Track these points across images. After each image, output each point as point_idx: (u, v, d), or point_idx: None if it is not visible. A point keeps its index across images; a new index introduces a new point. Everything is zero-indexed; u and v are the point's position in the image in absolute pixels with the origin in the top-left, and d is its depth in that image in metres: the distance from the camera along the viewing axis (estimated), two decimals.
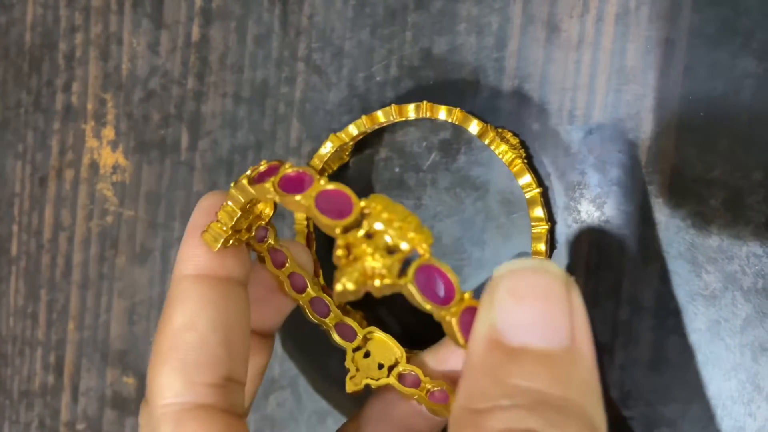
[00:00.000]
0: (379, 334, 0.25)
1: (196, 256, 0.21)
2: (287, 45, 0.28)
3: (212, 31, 0.29)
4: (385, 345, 0.24)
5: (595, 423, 0.16)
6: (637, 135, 0.24)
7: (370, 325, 0.26)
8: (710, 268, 0.24)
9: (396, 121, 0.25)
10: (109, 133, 0.31)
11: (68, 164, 0.32)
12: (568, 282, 0.17)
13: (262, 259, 0.24)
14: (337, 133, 0.26)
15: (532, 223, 0.25)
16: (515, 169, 0.25)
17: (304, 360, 0.29)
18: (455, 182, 0.26)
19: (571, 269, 0.25)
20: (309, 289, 0.24)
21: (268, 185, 0.19)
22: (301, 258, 0.24)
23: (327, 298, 0.25)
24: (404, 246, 0.17)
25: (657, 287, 0.24)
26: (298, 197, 0.18)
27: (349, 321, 0.25)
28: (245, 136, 0.29)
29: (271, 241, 0.23)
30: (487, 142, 0.25)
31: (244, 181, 0.20)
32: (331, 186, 0.18)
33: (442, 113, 0.25)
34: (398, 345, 0.24)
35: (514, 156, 0.25)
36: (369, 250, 0.17)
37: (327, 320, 0.25)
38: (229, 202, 0.20)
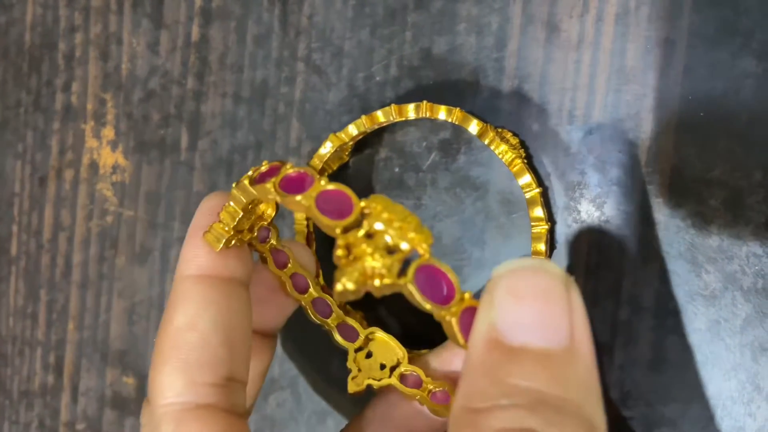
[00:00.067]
0: (380, 335, 0.25)
1: (198, 257, 0.21)
2: (287, 45, 0.28)
3: (212, 31, 0.29)
4: (387, 345, 0.24)
5: (594, 423, 0.16)
6: (637, 135, 0.24)
7: (370, 325, 0.26)
8: (710, 268, 0.24)
9: (396, 121, 0.25)
10: (108, 133, 0.31)
11: (68, 164, 0.32)
12: (567, 282, 0.17)
13: (264, 260, 0.24)
14: (337, 133, 0.26)
15: (532, 223, 0.25)
16: (515, 169, 0.25)
17: (304, 360, 0.29)
18: (455, 182, 0.26)
19: (571, 269, 0.25)
20: (311, 290, 0.24)
21: (269, 185, 0.19)
22: (304, 259, 0.24)
23: (329, 299, 0.25)
24: (404, 246, 0.17)
25: (657, 287, 0.24)
26: (298, 197, 0.18)
27: (351, 321, 0.25)
28: (245, 136, 0.29)
29: (273, 241, 0.23)
30: (486, 142, 0.25)
31: (246, 182, 0.20)
32: (331, 186, 0.18)
33: (441, 113, 0.25)
34: (400, 345, 0.24)
35: (513, 156, 0.25)
36: (369, 250, 0.17)
37: (329, 321, 0.25)
38: (231, 203, 0.20)
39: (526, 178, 0.24)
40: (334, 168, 0.27)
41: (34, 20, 0.32)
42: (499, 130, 0.25)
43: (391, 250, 0.17)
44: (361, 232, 0.17)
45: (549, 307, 0.17)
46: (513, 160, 0.25)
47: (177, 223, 0.30)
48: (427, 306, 0.17)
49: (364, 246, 0.17)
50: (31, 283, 0.33)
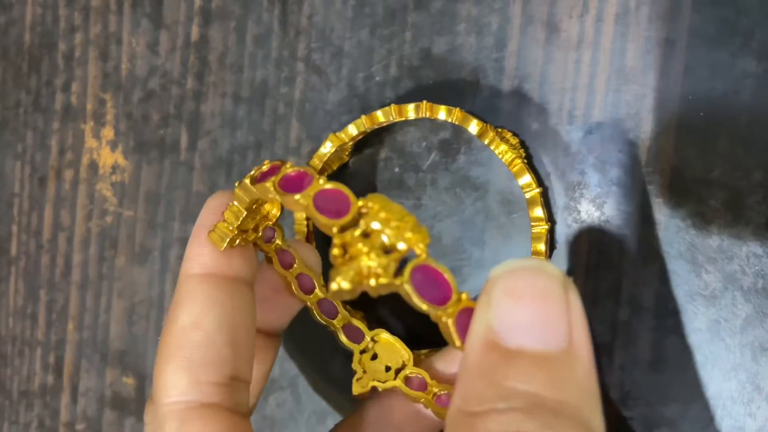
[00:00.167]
0: (386, 336, 0.25)
1: (203, 256, 0.21)
2: (287, 45, 0.28)
3: (212, 31, 0.29)
4: (392, 347, 0.24)
5: (592, 426, 0.16)
6: (637, 135, 0.24)
7: (371, 325, 0.26)
8: (710, 268, 0.24)
9: (396, 121, 0.25)
10: (108, 133, 0.31)
11: (67, 164, 0.32)
12: (566, 282, 0.17)
13: (269, 260, 0.24)
14: (337, 133, 0.26)
15: (532, 223, 0.25)
16: (515, 169, 0.25)
17: (305, 360, 0.29)
18: (455, 182, 0.26)
19: (571, 269, 0.25)
20: (317, 291, 0.24)
21: (268, 184, 0.19)
22: (309, 259, 0.24)
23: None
24: (401, 246, 0.17)
25: (657, 287, 0.24)
26: (296, 196, 0.18)
27: (357, 323, 0.25)
28: (245, 136, 0.29)
29: (278, 241, 0.23)
30: (486, 142, 0.25)
31: (247, 181, 0.20)
32: (329, 185, 0.18)
33: (441, 113, 0.25)
34: (405, 347, 0.24)
35: (513, 156, 0.25)
36: (365, 249, 0.17)
37: (335, 322, 0.25)
38: (235, 202, 0.21)
39: (526, 178, 0.24)
40: (334, 168, 0.27)
41: (33, 20, 0.32)
42: (499, 130, 0.25)
43: (387, 250, 0.17)
44: (358, 232, 0.17)
45: (547, 308, 0.16)
46: (513, 160, 0.25)
47: (177, 223, 0.30)
48: (424, 306, 0.17)
49: (360, 245, 0.17)
50: (30, 283, 0.33)
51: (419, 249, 0.17)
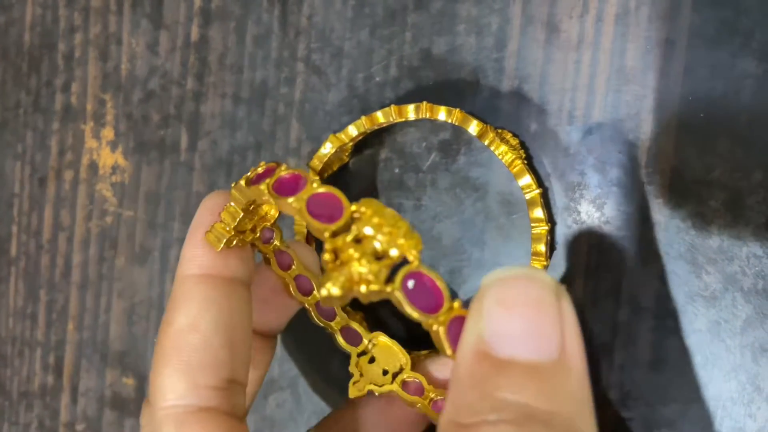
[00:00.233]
0: (384, 339, 0.24)
1: (200, 256, 0.21)
2: (286, 45, 0.28)
3: (211, 32, 0.29)
4: (390, 351, 0.24)
5: None
6: (637, 135, 0.24)
7: (371, 326, 0.26)
8: (710, 269, 0.24)
9: (396, 121, 0.25)
10: (108, 133, 0.31)
11: (67, 165, 0.32)
12: (558, 290, 0.16)
13: (267, 261, 0.24)
14: (337, 134, 0.26)
15: (532, 224, 0.25)
16: (515, 169, 0.25)
17: (304, 361, 0.29)
18: (455, 183, 0.26)
19: (570, 270, 0.25)
20: (315, 292, 0.24)
21: (262, 187, 0.19)
22: (308, 260, 0.24)
23: None
24: (393, 252, 0.17)
25: (657, 288, 0.24)
26: (290, 200, 0.18)
27: (355, 325, 0.25)
28: (244, 137, 0.29)
29: (277, 242, 0.23)
30: (486, 142, 0.25)
31: (243, 182, 0.20)
32: (322, 189, 0.18)
33: (441, 114, 0.25)
34: (404, 351, 0.24)
35: (513, 157, 0.25)
36: (356, 255, 0.17)
37: (333, 324, 0.25)
38: (232, 203, 0.20)
39: (526, 179, 0.24)
40: (334, 169, 0.27)
41: (33, 20, 0.32)
42: (499, 130, 0.25)
43: (380, 256, 0.17)
44: (350, 237, 0.17)
45: (539, 317, 0.16)
46: (513, 160, 0.25)
47: (176, 224, 0.30)
48: (415, 314, 0.17)
49: (351, 251, 0.17)
50: (30, 283, 0.33)
51: (412, 255, 0.17)
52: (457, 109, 0.24)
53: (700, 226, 0.24)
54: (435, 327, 0.17)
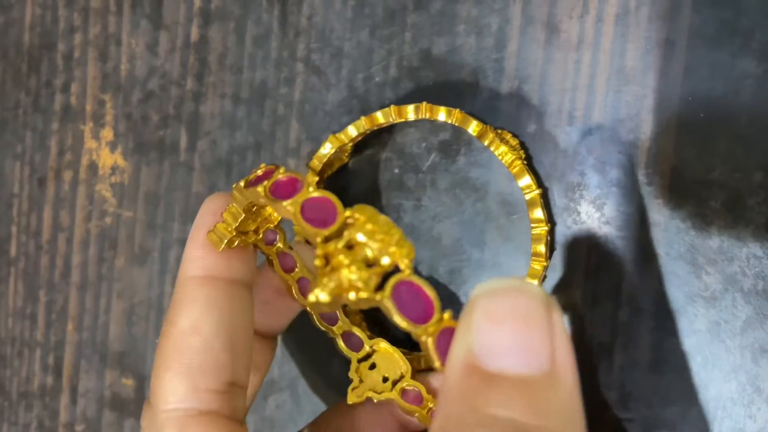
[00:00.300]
0: (385, 346, 0.24)
1: (202, 258, 0.21)
2: (286, 45, 0.28)
3: (211, 32, 0.29)
4: (391, 358, 0.24)
5: None
6: (637, 136, 0.24)
7: (369, 325, 0.26)
8: (710, 269, 0.24)
9: (395, 122, 0.25)
10: (107, 134, 0.31)
11: (67, 165, 0.32)
12: (548, 303, 0.16)
13: (270, 263, 0.24)
14: (337, 134, 0.26)
15: (532, 225, 0.25)
16: (515, 170, 0.25)
17: (304, 362, 0.29)
18: (455, 183, 0.26)
19: (570, 270, 0.25)
20: None
21: (259, 189, 0.19)
22: (311, 263, 0.24)
23: None
24: (385, 260, 0.17)
25: (657, 288, 0.24)
26: (285, 203, 0.18)
27: (357, 331, 0.24)
28: (244, 137, 0.29)
29: (280, 244, 0.23)
30: (486, 143, 0.25)
31: (242, 184, 0.20)
32: (317, 193, 0.18)
33: (441, 114, 0.24)
34: (404, 359, 0.24)
35: (513, 157, 0.25)
36: (346, 261, 0.17)
37: (334, 328, 0.24)
38: (234, 204, 0.20)
39: (526, 180, 0.24)
40: (334, 169, 0.27)
41: (33, 21, 0.32)
42: (499, 131, 0.25)
43: (371, 263, 0.17)
44: (342, 243, 0.17)
45: (528, 330, 0.16)
46: (513, 161, 0.25)
47: (176, 224, 0.30)
48: (404, 324, 0.16)
49: (341, 257, 0.17)
50: (30, 284, 0.33)
51: (403, 264, 0.17)
52: (457, 110, 0.24)
53: (700, 226, 0.24)
54: (423, 338, 0.17)
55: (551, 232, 0.25)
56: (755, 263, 0.23)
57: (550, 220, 0.25)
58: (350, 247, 0.17)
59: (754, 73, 0.23)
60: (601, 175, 0.24)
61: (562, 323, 0.16)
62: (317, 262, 0.17)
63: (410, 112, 0.25)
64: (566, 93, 0.25)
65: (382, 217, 0.17)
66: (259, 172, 0.20)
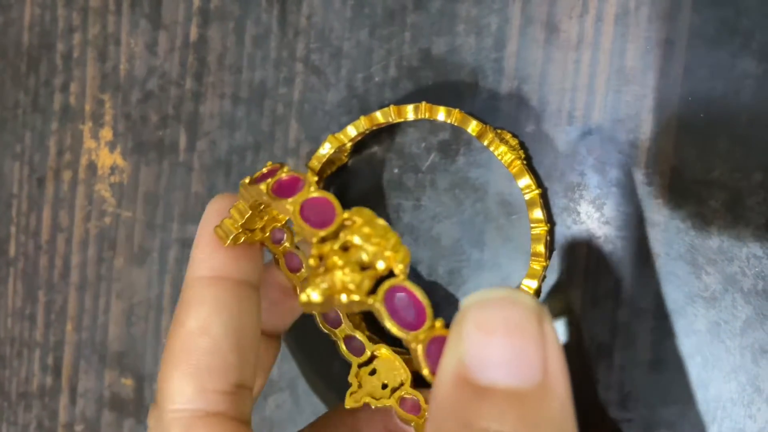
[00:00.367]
0: (387, 352, 0.24)
1: (210, 258, 0.21)
2: (285, 45, 0.28)
3: (210, 32, 0.29)
4: (391, 365, 0.24)
5: None
6: (637, 136, 0.24)
7: (368, 324, 0.26)
8: (710, 269, 0.24)
9: (395, 122, 0.25)
10: (107, 133, 0.31)
11: (66, 165, 0.32)
12: (540, 313, 0.16)
13: (276, 261, 0.23)
14: (336, 134, 0.26)
15: (532, 225, 0.24)
16: (514, 170, 0.25)
17: (304, 362, 0.29)
18: (454, 183, 0.26)
19: (570, 270, 0.25)
20: None
21: (262, 187, 0.19)
22: None
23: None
24: (380, 264, 0.17)
25: (657, 288, 0.24)
26: (285, 202, 0.18)
27: (359, 335, 0.24)
28: (243, 137, 0.29)
29: (287, 244, 0.23)
30: (486, 143, 0.25)
31: (246, 181, 0.20)
32: (317, 194, 0.18)
33: (441, 114, 0.24)
34: (405, 367, 0.24)
35: (513, 157, 0.25)
36: (340, 263, 0.17)
37: (337, 331, 0.24)
38: (241, 200, 0.20)
39: (526, 180, 0.24)
40: (333, 169, 0.27)
41: (32, 20, 0.32)
42: (499, 131, 0.25)
43: (365, 267, 0.17)
44: (337, 244, 0.17)
45: (520, 342, 0.15)
46: (512, 161, 0.25)
47: (175, 224, 0.30)
48: (395, 329, 0.16)
49: (336, 258, 0.17)
50: (29, 284, 0.33)
51: (398, 269, 0.17)
52: (457, 110, 0.24)
53: (700, 226, 0.24)
54: (413, 345, 0.16)
55: (551, 233, 0.25)
56: (755, 263, 0.23)
57: (550, 220, 0.25)
58: (346, 249, 0.17)
59: (754, 73, 0.23)
60: (601, 175, 0.24)
61: (554, 334, 0.16)
62: (311, 262, 0.17)
63: (410, 112, 0.25)
64: (566, 93, 0.25)
65: (380, 221, 0.17)
66: (265, 170, 0.20)
